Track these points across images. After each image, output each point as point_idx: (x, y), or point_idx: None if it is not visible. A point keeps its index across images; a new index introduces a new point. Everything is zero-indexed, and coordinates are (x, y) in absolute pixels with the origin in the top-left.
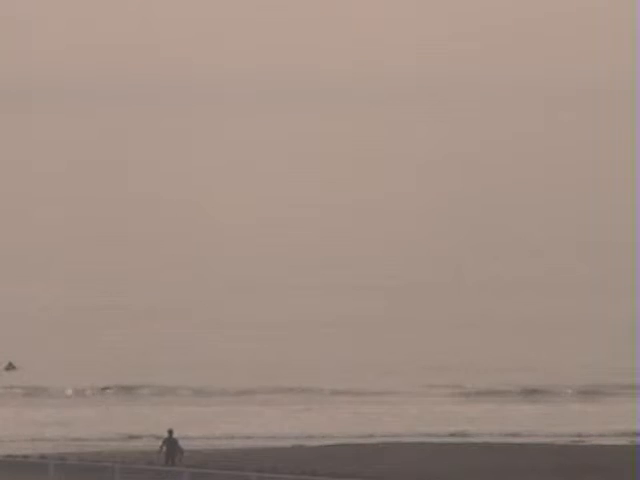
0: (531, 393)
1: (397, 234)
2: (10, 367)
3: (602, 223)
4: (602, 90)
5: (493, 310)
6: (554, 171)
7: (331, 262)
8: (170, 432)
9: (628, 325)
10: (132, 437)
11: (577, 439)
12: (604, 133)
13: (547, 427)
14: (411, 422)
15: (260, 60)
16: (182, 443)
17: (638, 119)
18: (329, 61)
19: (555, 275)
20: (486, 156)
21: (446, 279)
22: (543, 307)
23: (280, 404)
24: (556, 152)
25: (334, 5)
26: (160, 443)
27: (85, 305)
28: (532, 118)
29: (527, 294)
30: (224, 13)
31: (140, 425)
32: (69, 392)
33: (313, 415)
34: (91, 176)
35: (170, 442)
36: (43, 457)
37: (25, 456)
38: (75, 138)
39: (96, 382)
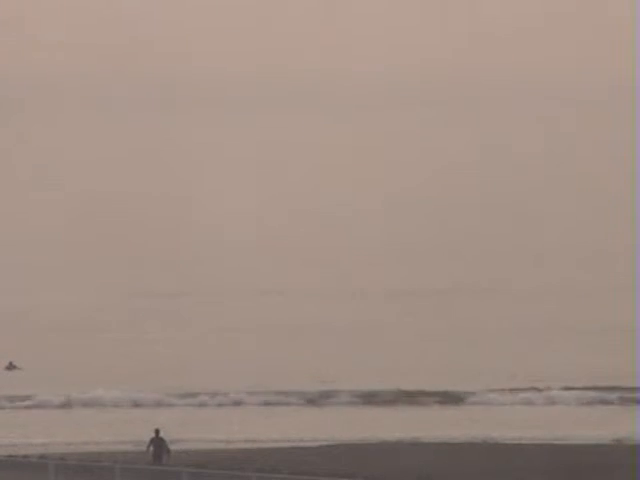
0: (529, 394)
1: (398, 238)
2: (11, 367)
3: (603, 227)
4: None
5: (492, 314)
6: (556, 177)
7: (332, 267)
8: (157, 432)
9: (628, 329)
10: (134, 439)
11: (577, 440)
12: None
13: (546, 427)
14: (411, 423)
15: (260, 61)
16: (183, 444)
17: (638, 126)
18: (329, 62)
19: (555, 280)
20: (486, 163)
21: (448, 285)
22: (543, 311)
23: (280, 405)
24: (557, 157)
25: (334, 5)
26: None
27: (86, 306)
28: (530, 120)
29: (527, 298)
30: (223, 13)
31: (141, 426)
32: (70, 392)
33: (313, 415)
34: (91, 176)
35: (157, 442)
36: (43, 457)
37: (25, 456)
38: (74, 137)
39: (97, 383)
